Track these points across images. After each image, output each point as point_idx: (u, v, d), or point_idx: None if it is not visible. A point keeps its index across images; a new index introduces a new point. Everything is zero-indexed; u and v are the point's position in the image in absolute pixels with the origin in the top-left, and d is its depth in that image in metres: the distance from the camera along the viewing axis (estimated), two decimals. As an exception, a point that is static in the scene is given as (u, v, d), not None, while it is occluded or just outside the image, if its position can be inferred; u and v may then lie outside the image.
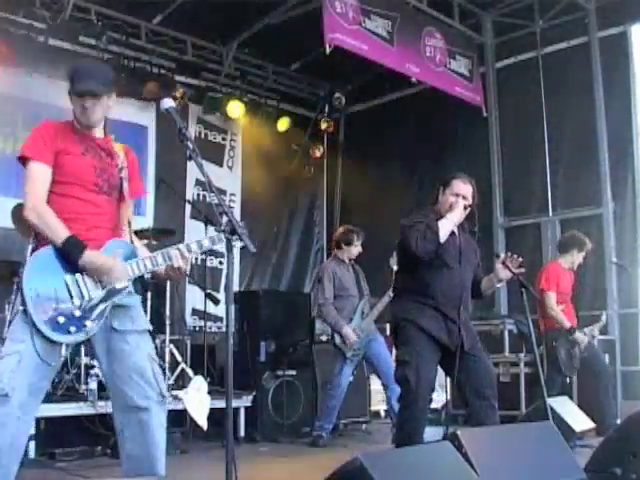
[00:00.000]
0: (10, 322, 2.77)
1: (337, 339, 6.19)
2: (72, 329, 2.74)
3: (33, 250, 2.84)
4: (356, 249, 6.41)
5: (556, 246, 6.75)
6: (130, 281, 2.89)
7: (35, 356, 2.68)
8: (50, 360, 2.75)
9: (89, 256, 2.76)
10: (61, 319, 2.71)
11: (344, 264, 6.44)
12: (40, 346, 2.68)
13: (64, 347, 2.78)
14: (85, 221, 2.85)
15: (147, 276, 3.22)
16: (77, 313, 2.75)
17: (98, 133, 3.02)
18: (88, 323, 2.78)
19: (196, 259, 7.90)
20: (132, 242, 3.01)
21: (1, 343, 2.93)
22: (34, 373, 2.71)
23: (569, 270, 6.35)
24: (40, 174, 2.82)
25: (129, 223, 3.06)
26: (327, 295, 6.28)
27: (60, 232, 2.75)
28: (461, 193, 4.14)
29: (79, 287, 2.76)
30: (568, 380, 6.37)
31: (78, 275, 2.77)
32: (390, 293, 6.13)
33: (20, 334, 2.70)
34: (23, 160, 2.86)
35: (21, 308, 2.69)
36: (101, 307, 2.82)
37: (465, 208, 4.10)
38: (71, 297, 2.74)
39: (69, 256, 2.75)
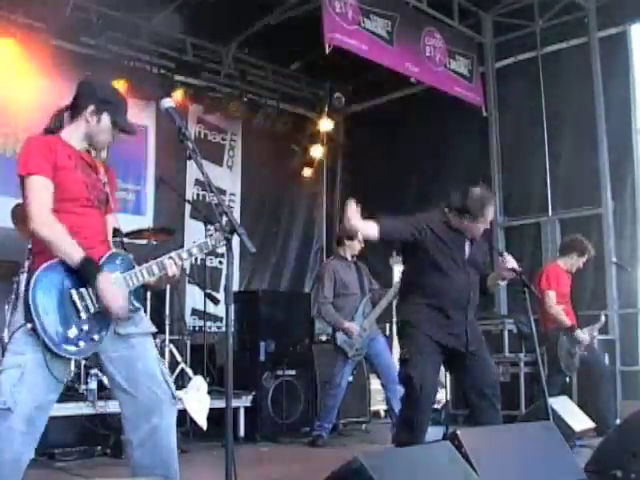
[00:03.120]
0: (12, 335, 2.71)
1: (338, 339, 6.16)
2: (81, 344, 2.72)
3: (30, 266, 2.79)
4: (359, 243, 6.33)
5: (558, 247, 6.74)
6: (131, 292, 2.87)
7: (42, 370, 2.65)
8: (59, 375, 2.72)
9: (104, 280, 2.74)
10: (70, 334, 2.69)
11: (346, 262, 6.38)
12: (50, 361, 2.65)
13: (73, 362, 2.75)
14: (82, 234, 2.82)
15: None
16: (85, 327, 2.73)
17: (84, 149, 2.98)
18: (96, 336, 2.76)
19: (196, 259, 7.89)
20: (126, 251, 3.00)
21: (0, 346, 2.90)
22: (40, 387, 2.67)
23: (567, 272, 6.36)
24: (42, 187, 2.76)
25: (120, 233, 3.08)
26: (326, 294, 6.24)
27: (75, 251, 2.71)
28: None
29: (85, 301, 2.74)
30: (568, 379, 6.37)
31: (83, 290, 2.74)
32: (391, 291, 6.14)
33: (23, 347, 2.66)
34: (23, 177, 2.78)
35: (29, 325, 2.63)
36: (108, 320, 2.80)
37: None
38: (78, 312, 2.72)
39: (84, 276, 2.73)
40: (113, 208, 3.08)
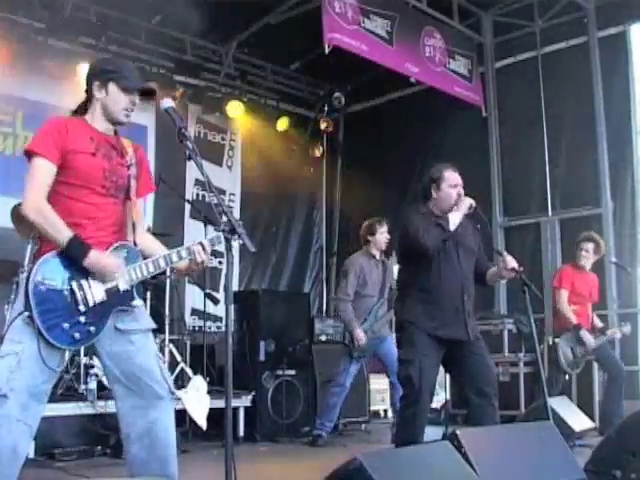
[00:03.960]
0: (10, 322, 2.73)
1: (346, 338, 6.13)
2: (77, 335, 2.72)
3: (36, 252, 2.81)
4: (382, 236, 6.20)
5: (560, 249, 6.75)
6: (133, 286, 2.87)
7: (37, 359, 2.65)
8: (53, 365, 2.73)
9: (94, 256, 2.74)
10: (66, 325, 2.69)
11: (374, 259, 6.26)
12: (44, 350, 2.66)
13: (67, 352, 2.76)
14: (90, 224, 2.82)
15: (167, 272, 3.15)
16: (82, 319, 2.73)
17: (110, 131, 3.00)
18: (92, 329, 2.77)
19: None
20: (135, 243, 2.97)
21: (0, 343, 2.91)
22: (35, 376, 2.68)
23: (584, 270, 6.35)
24: (43, 170, 2.77)
25: (134, 224, 3.01)
26: (349, 291, 6.13)
27: (63, 231, 2.71)
28: (458, 183, 4.17)
29: (84, 293, 2.74)
30: (567, 377, 6.37)
31: (84, 281, 2.75)
32: None
33: (20, 335, 2.67)
34: (28, 154, 2.80)
35: (26, 314, 2.65)
36: (106, 313, 2.81)
37: (471, 208, 4.11)
38: (76, 304, 2.72)
39: (73, 256, 2.72)
40: (145, 189, 3.11)
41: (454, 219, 4.06)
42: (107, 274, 2.77)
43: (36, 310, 2.64)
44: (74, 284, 2.73)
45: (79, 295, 2.73)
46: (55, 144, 2.78)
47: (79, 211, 2.80)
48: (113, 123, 2.98)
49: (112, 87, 2.92)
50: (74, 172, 2.81)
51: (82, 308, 2.73)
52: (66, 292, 2.72)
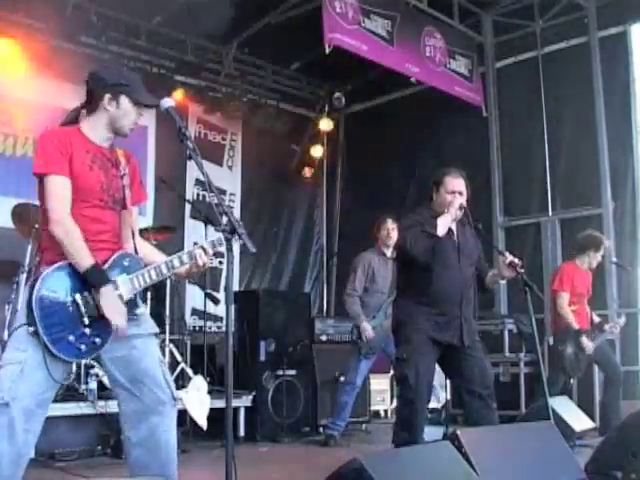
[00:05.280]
0: (11, 331, 2.71)
1: (355, 334, 6.13)
2: (82, 347, 2.71)
3: (37, 263, 2.79)
4: (384, 232, 6.20)
5: (572, 246, 6.66)
6: (136, 294, 2.87)
7: (41, 368, 2.64)
8: (58, 377, 2.72)
9: (107, 291, 2.72)
10: (71, 338, 2.68)
11: (384, 257, 6.26)
12: (50, 362, 2.65)
13: (73, 365, 2.74)
14: (90, 238, 2.79)
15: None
16: (87, 331, 2.72)
17: (106, 142, 2.95)
18: (98, 340, 2.75)
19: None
20: (136, 251, 2.96)
21: (1, 346, 2.90)
22: (40, 384, 2.67)
23: (586, 270, 6.33)
24: (62, 187, 2.74)
25: (132, 232, 3.00)
26: (356, 286, 6.16)
27: (85, 258, 2.69)
28: (456, 190, 4.15)
29: (89, 305, 2.73)
30: (572, 381, 6.36)
31: (87, 293, 2.73)
32: None
33: (24, 344, 2.66)
34: (39, 176, 2.76)
35: (31, 329, 2.62)
36: (110, 324, 2.78)
37: (461, 209, 4.10)
38: (81, 315, 2.71)
39: (89, 283, 2.71)
40: (137, 198, 3.07)
41: (442, 223, 4.06)
42: (109, 311, 2.73)
43: (41, 324, 2.62)
44: (78, 296, 2.72)
45: (83, 308, 2.71)
46: (63, 157, 2.75)
47: (79, 224, 2.77)
48: (117, 134, 2.94)
49: (124, 100, 2.87)
50: (73, 186, 2.78)
51: (86, 320, 2.71)
52: (70, 305, 2.70)
